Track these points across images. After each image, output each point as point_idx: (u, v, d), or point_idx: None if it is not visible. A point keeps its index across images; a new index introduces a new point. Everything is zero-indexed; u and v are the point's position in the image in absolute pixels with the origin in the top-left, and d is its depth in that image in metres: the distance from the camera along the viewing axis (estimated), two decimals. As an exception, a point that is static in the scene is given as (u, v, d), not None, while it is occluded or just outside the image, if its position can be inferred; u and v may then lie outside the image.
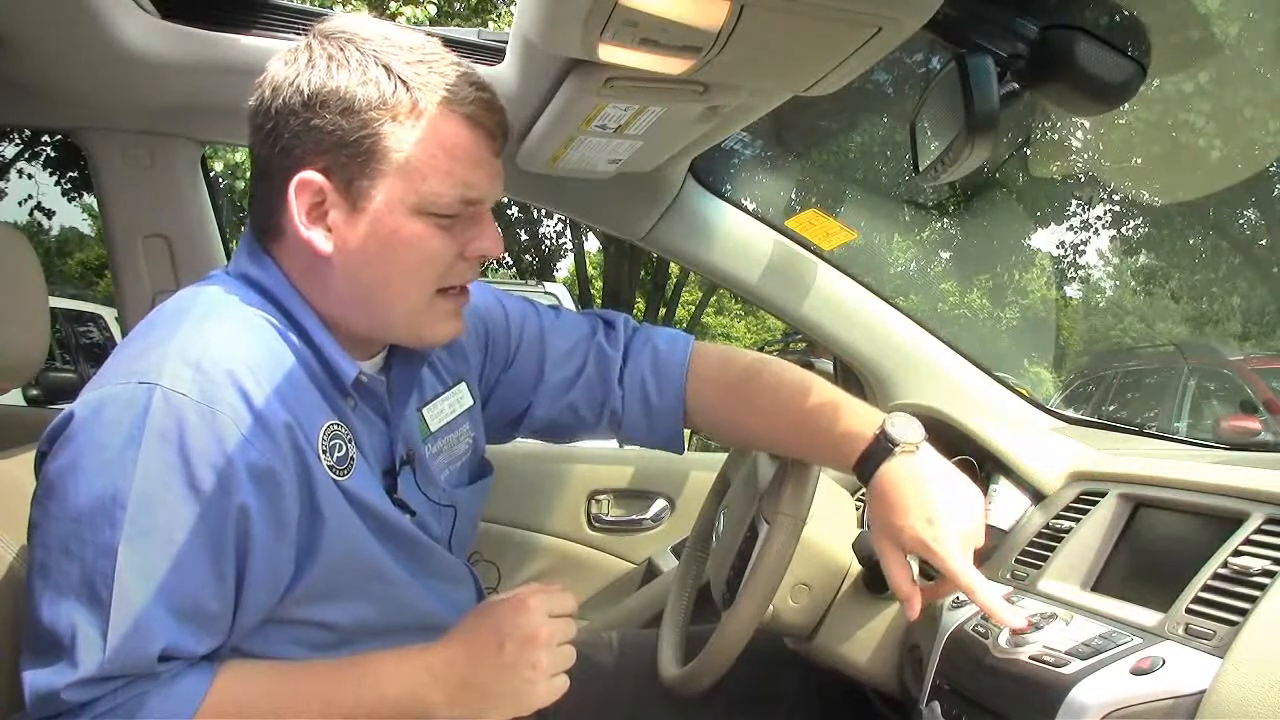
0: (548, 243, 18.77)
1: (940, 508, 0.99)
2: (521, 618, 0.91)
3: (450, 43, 1.41)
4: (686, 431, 1.25)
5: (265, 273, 0.93)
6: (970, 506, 1.01)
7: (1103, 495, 1.14)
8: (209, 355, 0.84)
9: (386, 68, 0.88)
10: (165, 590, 0.81)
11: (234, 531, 0.83)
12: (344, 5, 7.42)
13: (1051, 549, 1.13)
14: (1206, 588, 0.90)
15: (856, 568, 1.22)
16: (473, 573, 1.12)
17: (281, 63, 0.90)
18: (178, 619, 0.82)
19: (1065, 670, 0.89)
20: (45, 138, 12.88)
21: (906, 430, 1.04)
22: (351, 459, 0.92)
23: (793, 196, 12.08)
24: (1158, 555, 1.06)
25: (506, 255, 18.46)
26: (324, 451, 0.90)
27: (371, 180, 0.88)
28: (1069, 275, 18.97)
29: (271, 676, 0.88)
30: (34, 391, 5.15)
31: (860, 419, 1.07)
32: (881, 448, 1.03)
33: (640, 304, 15.32)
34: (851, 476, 1.65)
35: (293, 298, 0.93)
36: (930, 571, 1.25)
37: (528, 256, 18.56)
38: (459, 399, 1.10)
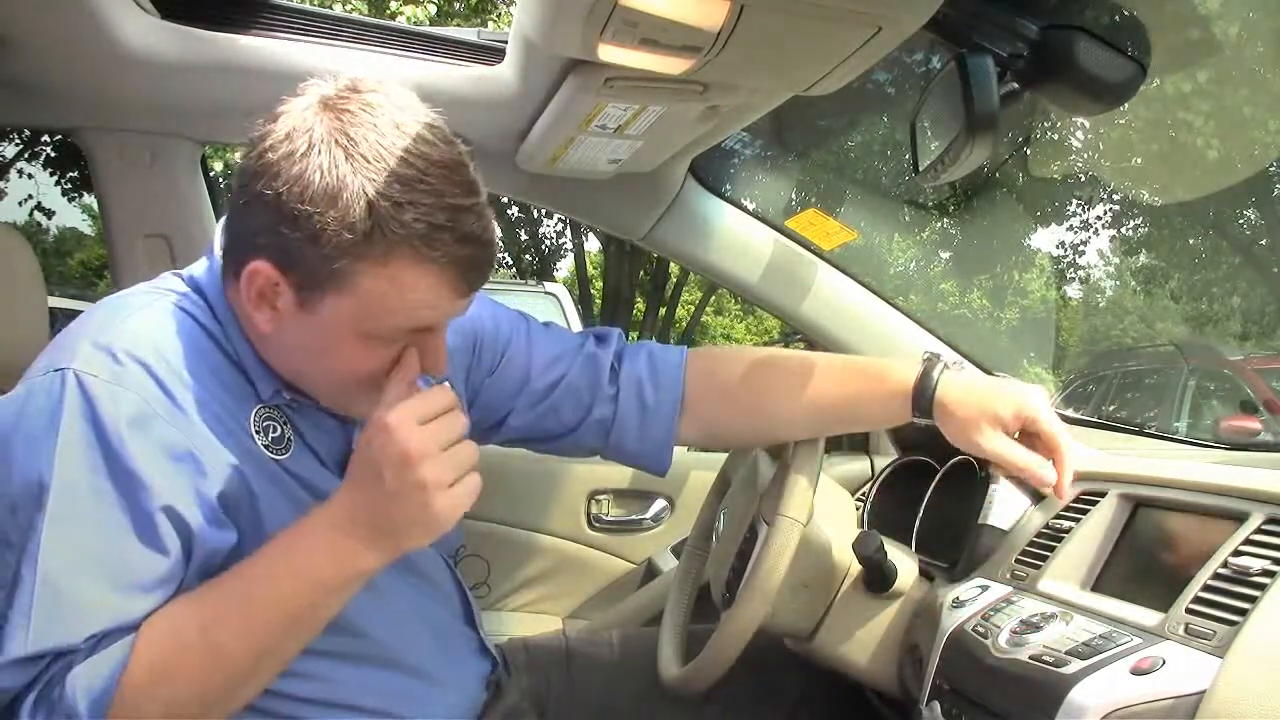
0: (548, 243, 18.80)
1: (1014, 385, 1.07)
2: (385, 442, 0.84)
3: (450, 43, 1.42)
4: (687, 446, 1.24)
5: (212, 288, 0.95)
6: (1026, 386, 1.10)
7: (1103, 495, 1.14)
8: (121, 340, 0.86)
9: (370, 205, 0.82)
10: (97, 564, 0.81)
11: (158, 503, 0.84)
12: (344, 4, 7.42)
13: (1051, 549, 1.13)
14: (1206, 588, 0.90)
15: (856, 568, 1.22)
16: (450, 566, 1.12)
17: (283, 132, 0.84)
18: (116, 590, 0.82)
19: (1065, 670, 0.89)
20: (45, 138, 12.87)
21: (945, 358, 1.11)
22: (289, 439, 0.94)
23: (793, 196, 12.08)
24: (1158, 555, 1.06)
25: (506, 255, 18.53)
26: (258, 432, 0.91)
27: (322, 298, 0.86)
28: (1069, 275, 18.99)
29: (191, 609, 0.85)
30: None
31: (894, 364, 1.13)
32: (933, 368, 1.09)
33: (640, 304, 15.32)
34: (853, 476, 1.65)
35: (230, 321, 0.94)
36: (931, 573, 1.26)
37: (528, 256, 18.56)
38: None
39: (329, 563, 0.85)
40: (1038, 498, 1.25)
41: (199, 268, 0.97)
